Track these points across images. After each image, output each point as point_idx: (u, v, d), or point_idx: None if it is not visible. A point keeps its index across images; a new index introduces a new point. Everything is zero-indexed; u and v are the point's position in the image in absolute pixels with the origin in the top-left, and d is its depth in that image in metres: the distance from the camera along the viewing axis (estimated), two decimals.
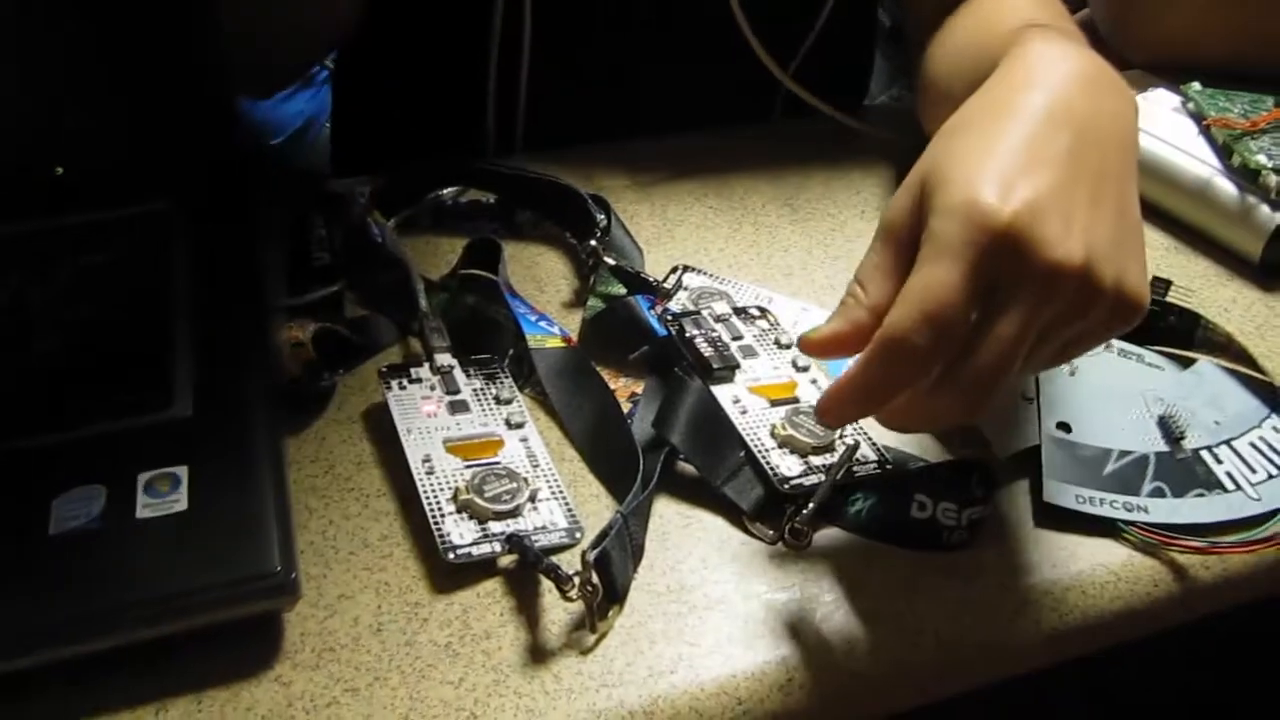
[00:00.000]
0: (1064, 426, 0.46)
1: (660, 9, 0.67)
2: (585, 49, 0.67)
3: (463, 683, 0.38)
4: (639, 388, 0.49)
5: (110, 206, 0.54)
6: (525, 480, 0.43)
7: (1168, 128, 0.62)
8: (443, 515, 0.42)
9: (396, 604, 0.40)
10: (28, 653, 0.37)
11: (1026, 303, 0.36)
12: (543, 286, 0.55)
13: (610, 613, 0.40)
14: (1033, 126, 0.39)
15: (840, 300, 0.39)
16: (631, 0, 0.66)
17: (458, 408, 0.47)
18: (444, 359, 0.49)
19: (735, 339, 0.50)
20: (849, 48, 0.73)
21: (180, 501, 0.40)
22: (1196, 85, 0.64)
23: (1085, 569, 0.42)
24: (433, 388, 0.48)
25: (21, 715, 0.37)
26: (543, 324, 0.51)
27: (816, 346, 0.39)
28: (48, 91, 0.54)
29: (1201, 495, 0.44)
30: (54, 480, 0.41)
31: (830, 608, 0.41)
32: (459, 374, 0.48)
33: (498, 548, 0.41)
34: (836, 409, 0.38)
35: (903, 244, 0.38)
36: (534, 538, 0.42)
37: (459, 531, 0.41)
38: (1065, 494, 0.44)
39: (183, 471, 0.41)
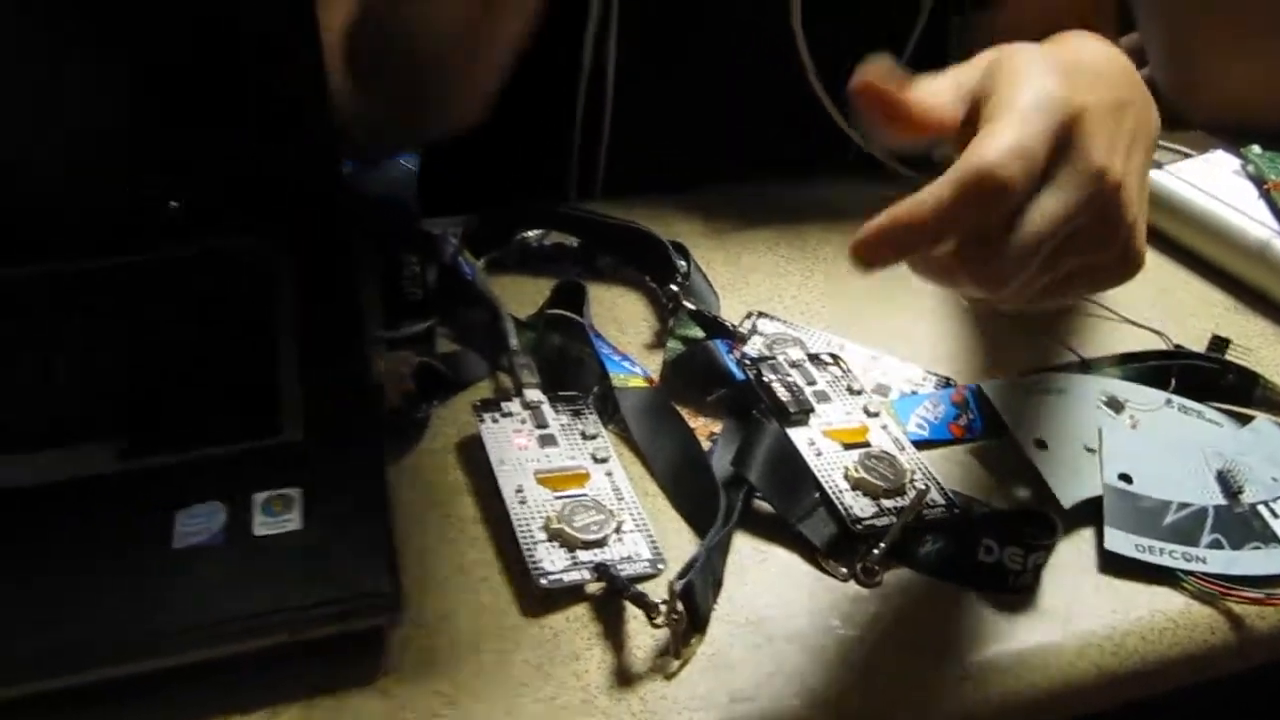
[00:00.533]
0: (1125, 478, 0.48)
1: (738, 62, 0.70)
2: (666, 99, 0.70)
3: (554, 701, 0.40)
4: (717, 428, 0.51)
5: (219, 240, 0.58)
6: (611, 512, 0.46)
7: (1228, 189, 0.64)
8: (535, 543, 0.45)
9: (491, 625, 0.43)
10: (151, 657, 0.40)
11: (1069, 195, 0.38)
12: (624, 328, 0.58)
13: (693, 641, 0.42)
14: (1097, 69, 0.42)
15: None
16: (711, 51, 0.69)
17: (546, 441, 0.50)
18: (533, 394, 0.52)
19: (809, 384, 0.52)
20: None
21: (294, 521, 0.43)
22: (1256, 148, 0.66)
23: (1144, 615, 0.44)
24: (523, 421, 0.50)
25: (147, 717, 0.40)
26: (626, 364, 0.54)
27: (874, 90, 0.39)
28: (166, 130, 0.58)
29: (1258, 548, 0.46)
30: (175, 497, 0.44)
31: (898, 645, 0.43)
32: (547, 409, 0.51)
33: (586, 575, 0.44)
34: (889, 232, 0.38)
35: (964, 93, 0.41)
36: (619, 567, 0.44)
37: (550, 559, 0.44)
38: (1126, 543, 0.46)
39: (296, 493, 0.44)
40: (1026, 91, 0.39)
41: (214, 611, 0.40)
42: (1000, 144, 0.37)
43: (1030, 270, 0.38)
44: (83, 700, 0.39)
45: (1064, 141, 0.39)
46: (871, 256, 0.38)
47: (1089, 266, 0.41)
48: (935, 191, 0.37)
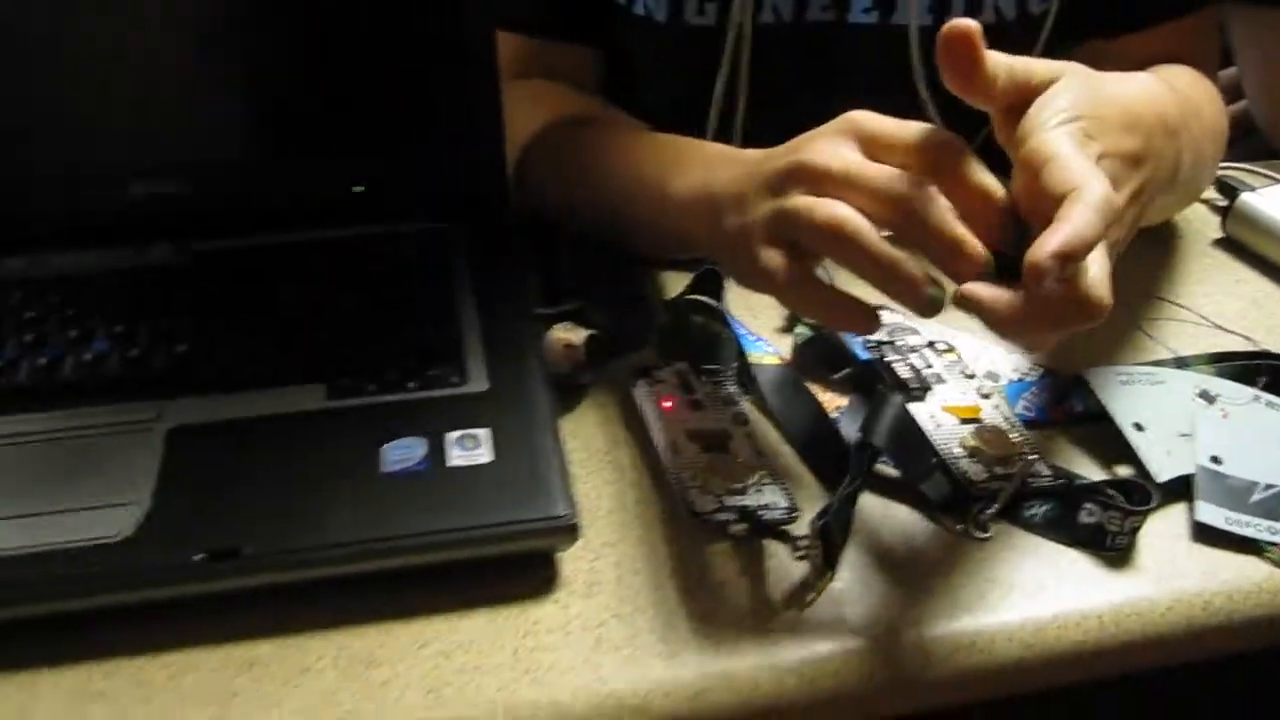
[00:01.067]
0: (1216, 460, 0.53)
1: (854, 91, 0.76)
2: (791, 121, 0.76)
3: (707, 620, 0.47)
4: (842, 402, 0.57)
5: (401, 223, 0.66)
6: (752, 467, 0.52)
7: None
8: (686, 488, 0.51)
9: (649, 554, 0.49)
10: (369, 560, 0.47)
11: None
12: (756, 314, 0.64)
13: (825, 576, 0.48)
14: (1135, 117, 0.50)
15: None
16: (829, 82, 0.75)
17: (693, 405, 0.56)
18: (680, 365, 0.58)
19: (927, 368, 0.58)
20: None
21: (484, 455, 0.50)
22: None
23: (1231, 579, 0.49)
24: (672, 388, 0.57)
25: (355, 612, 0.47)
26: (760, 344, 0.60)
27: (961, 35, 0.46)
28: (353, 122, 0.66)
29: None
30: (381, 432, 0.51)
31: (1004, 590, 0.48)
32: (692, 379, 0.58)
33: (732, 517, 0.50)
34: (1062, 258, 0.40)
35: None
36: (760, 513, 0.50)
37: (700, 501, 0.51)
38: (1216, 515, 0.51)
39: (484, 433, 0.51)
40: (1060, 133, 0.45)
41: (420, 525, 0.47)
42: (1098, 179, 0.43)
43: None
44: (306, 593, 0.46)
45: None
46: (1045, 277, 0.41)
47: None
48: (1089, 221, 0.41)
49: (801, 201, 0.46)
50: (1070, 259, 0.41)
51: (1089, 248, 0.42)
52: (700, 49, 0.71)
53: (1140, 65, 0.52)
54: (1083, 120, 0.46)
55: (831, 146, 0.48)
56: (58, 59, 0.61)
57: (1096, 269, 0.43)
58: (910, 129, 0.47)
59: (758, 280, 0.48)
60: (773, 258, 0.47)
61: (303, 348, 0.57)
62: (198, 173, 0.64)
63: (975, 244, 0.44)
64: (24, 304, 0.59)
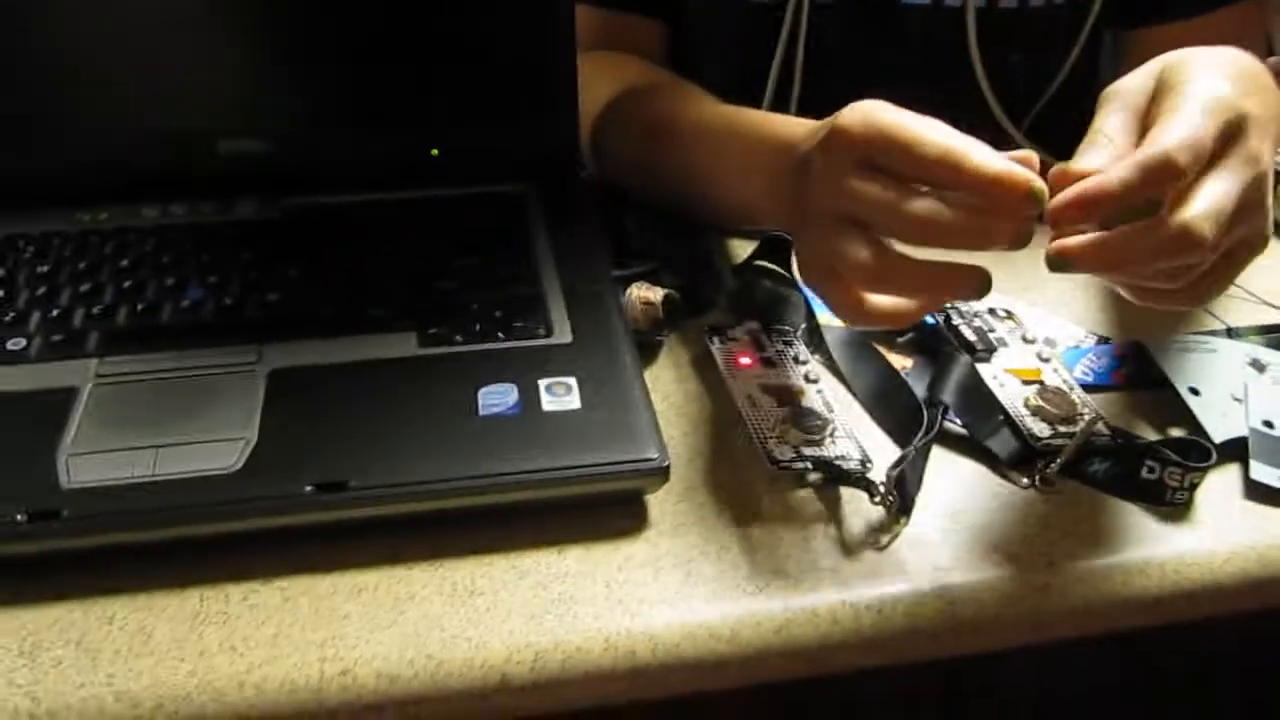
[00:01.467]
0: (1268, 424, 0.55)
1: (908, 71, 0.78)
2: (844, 101, 0.78)
3: (788, 559, 0.49)
4: (907, 364, 0.60)
5: (478, 184, 0.68)
6: (826, 420, 0.55)
7: None
8: (765, 437, 0.54)
9: (731, 498, 0.52)
10: (465, 496, 0.49)
11: (1236, 177, 0.45)
12: None
13: (900, 521, 0.50)
14: (1258, 80, 0.49)
15: (1089, 142, 0.48)
16: (884, 61, 0.77)
17: (766, 363, 0.59)
18: (753, 324, 0.61)
19: (990, 331, 0.60)
20: (1075, 110, 0.84)
21: (574, 401, 0.52)
22: None
23: None
24: (746, 346, 0.59)
25: (455, 545, 0.49)
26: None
27: (1074, 177, 0.45)
28: (431, 88, 0.68)
29: None
30: (477, 379, 0.53)
31: (1070, 541, 0.51)
32: (764, 338, 0.60)
33: (810, 465, 0.52)
34: (1077, 207, 0.44)
35: (1136, 114, 0.48)
36: (836, 462, 0.53)
37: (779, 450, 0.53)
38: (1270, 475, 0.53)
39: (573, 381, 0.53)
40: (1200, 90, 0.47)
41: (516, 465, 0.49)
42: (1176, 135, 0.45)
43: (1205, 245, 0.45)
44: (409, 526, 0.49)
45: (1229, 136, 0.46)
46: (1064, 220, 0.45)
47: (1238, 244, 0.48)
48: (1120, 172, 0.44)
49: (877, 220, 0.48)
50: (1081, 208, 0.44)
51: (1111, 199, 0.44)
52: (761, 24, 0.74)
53: None
54: (1222, 82, 0.47)
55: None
56: (152, 24, 0.64)
57: (1203, 204, 0.44)
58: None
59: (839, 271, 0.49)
60: (857, 250, 0.48)
61: (390, 299, 0.59)
62: (281, 133, 0.67)
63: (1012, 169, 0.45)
64: (118, 252, 0.62)
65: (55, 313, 0.57)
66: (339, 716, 0.44)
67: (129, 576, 0.47)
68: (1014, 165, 0.45)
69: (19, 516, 0.46)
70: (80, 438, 0.50)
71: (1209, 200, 0.44)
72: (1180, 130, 0.45)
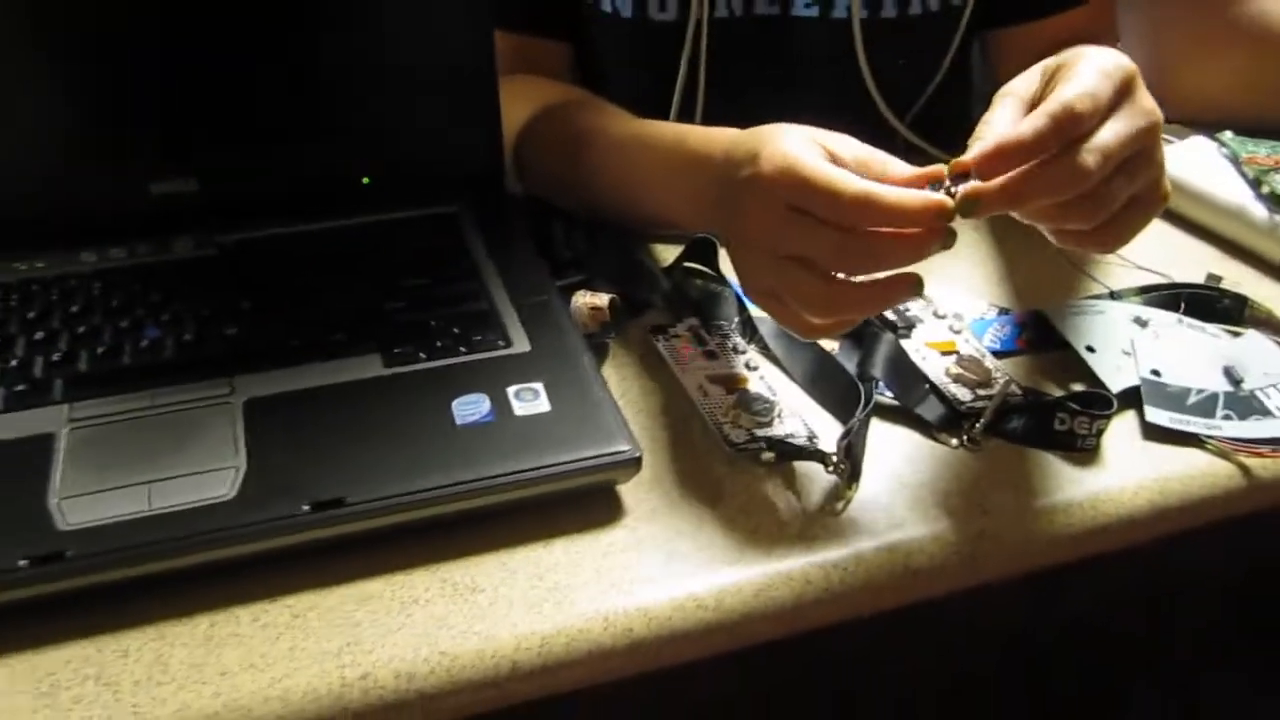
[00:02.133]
0: (1155, 373, 0.62)
1: (791, 68, 0.83)
2: (747, 112, 0.83)
3: (757, 530, 0.53)
4: (834, 345, 0.65)
5: (410, 208, 0.71)
6: (772, 403, 0.59)
7: (1210, 165, 0.79)
8: (720, 423, 0.58)
9: (696, 481, 0.56)
10: (455, 502, 0.52)
11: (1129, 124, 0.51)
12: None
13: (852, 487, 0.55)
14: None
15: (981, 127, 0.53)
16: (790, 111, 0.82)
17: (709, 355, 0.63)
18: (691, 321, 0.65)
19: (906, 310, 0.66)
20: (953, 105, 0.91)
21: (544, 405, 0.56)
22: (1229, 134, 0.82)
23: (1180, 468, 0.58)
24: (687, 342, 0.64)
25: (449, 548, 0.52)
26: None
27: (977, 162, 0.50)
28: (356, 118, 0.70)
29: (1259, 419, 0.60)
30: (447, 392, 0.56)
31: (1000, 489, 0.57)
32: (703, 332, 0.64)
33: (764, 445, 0.57)
34: (996, 157, 0.49)
35: (1027, 104, 0.54)
36: (786, 439, 0.57)
37: (734, 434, 0.57)
38: (1161, 417, 0.60)
39: (539, 386, 0.57)
40: (1093, 60, 0.53)
41: (502, 468, 0.52)
42: (1075, 89, 0.51)
43: (1100, 185, 0.51)
44: (403, 535, 0.51)
45: (1123, 93, 0.53)
46: (991, 172, 0.50)
47: (1136, 199, 0.55)
48: (1031, 122, 0.50)
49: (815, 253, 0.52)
50: (999, 157, 0.49)
51: (1024, 147, 0.49)
52: (663, 43, 0.78)
53: (1055, 47, 0.60)
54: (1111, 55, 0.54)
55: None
56: (74, 69, 0.65)
57: (1092, 141, 0.50)
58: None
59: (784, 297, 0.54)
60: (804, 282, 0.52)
61: (347, 324, 0.61)
62: (211, 171, 0.68)
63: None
64: (65, 298, 0.62)
65: (13, 363, 0.58)
66: (365, 718, 0.46)
67: (136, 610, 0.49)
68: (924, 193, 0.50)
69: (21, 563, 0.47)
70: (67, 481, 0.51)
71: (1098, 139, 0.51)
72: (1079, 86, 0.51)
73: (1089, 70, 0.52)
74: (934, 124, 0.85)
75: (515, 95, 0.75)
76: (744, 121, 0.59)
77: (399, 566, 0.51)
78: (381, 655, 0.47)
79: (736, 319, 0.66)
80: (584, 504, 0.54)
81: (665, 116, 0.81)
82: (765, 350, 0.65)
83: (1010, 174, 0.50)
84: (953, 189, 0.51)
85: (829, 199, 0.51)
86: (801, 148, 0.52)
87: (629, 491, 0.55)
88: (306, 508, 0.50)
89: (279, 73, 0.68)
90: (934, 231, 0.50)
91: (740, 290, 0.66)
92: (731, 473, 0.57)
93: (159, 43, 0.66)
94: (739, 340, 0.64)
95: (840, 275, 0.52)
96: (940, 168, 0.51)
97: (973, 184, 0.50)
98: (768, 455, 0.57)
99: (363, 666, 0.47)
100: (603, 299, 0.63)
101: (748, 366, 0.62)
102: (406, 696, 0.47)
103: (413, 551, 0.52)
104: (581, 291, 0.65)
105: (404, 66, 0.70)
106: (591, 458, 0.53)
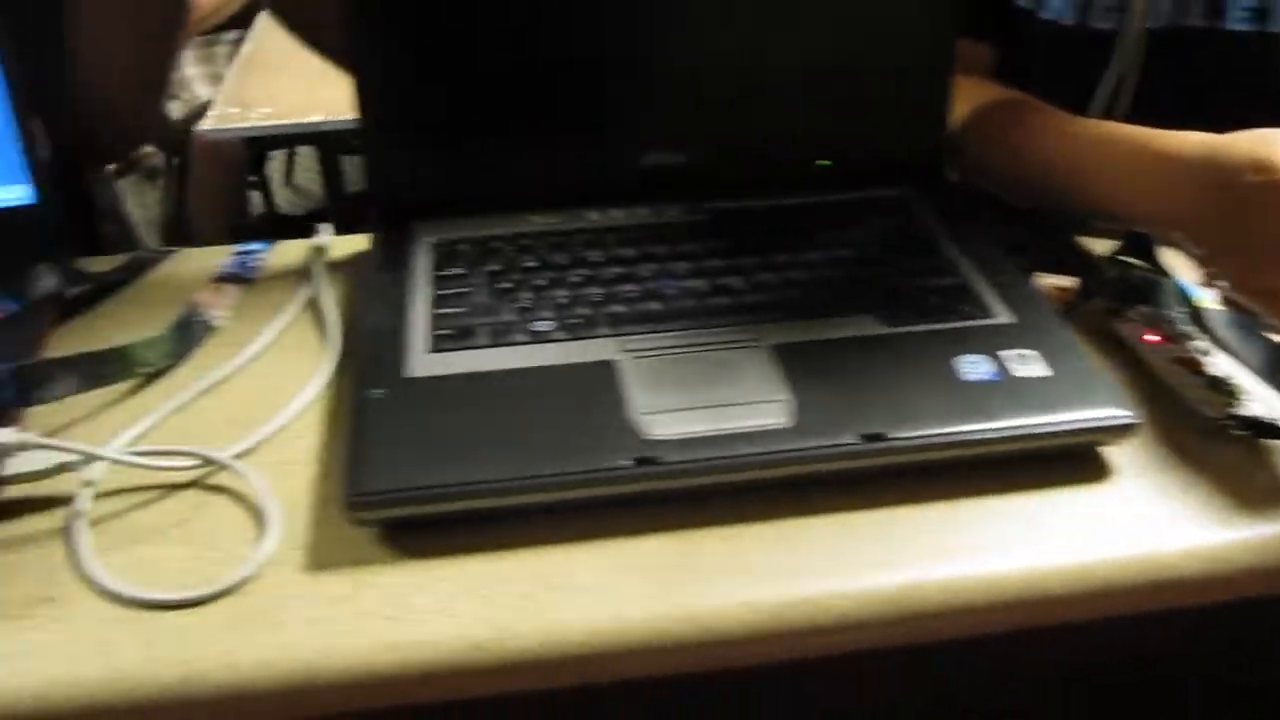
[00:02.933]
0: None
1: (1214, 81, 0.86)
2: (1164, 119, 0.87)
3: (1231, 494, 0.58)
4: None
5: (861, 190, 0.79)
6: (1239, 385, 0.64)
7: None
8: (1192, 401, 0.63)
9: (1174, 450, 0.61)
10: (982, 446, 0.58)
11: None
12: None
13: None
14: None
15: None
16: (1205, 87, 0.86)
17: (1166, 339, 0.68)
18: (1144, 308, 0.70)
19: None
20: None
21: (1043, 369, 0.62)
22: None
23: None
24: (1142, 326, 0.69)
25: (948, 488, 0.59)
26: (1197, 292, 0.72)
27: None
28: (827, 106, 0.78)
29: None
30: (946, 351, 0.63)
31: None
32: (1156, 318, 0.70)
33: (1237, 422, 0.62)
34: None
35: None
36: (1261, 419, 0.62)
37: (1209, 410, 0.62)
38: None
39: (1033, 354, 0.63)
40: None
41: (1017, 420, 0.59)
42: None
43: None
44: (917, 471, 0.59)
45: None
46: None
47: None
48: None
49: None
50: None
51: None
52: (1097, 51, 0.83)
53: None
54: None
55: None
56: (590, 52, 0.75)
57: None
58: None
59: None
60: None
61: (839, 287, 0.69)
62: (697, 148, 0.77)
63: None
64: (585, 248, 0.72)
65: (562, 300, 0.68)
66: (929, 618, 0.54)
67: (710, 511, 0.57)
68: None
69: (626, 462, 0.56)
70: (639, 400, 0.60)
71: None
72: None
73: None
74: None
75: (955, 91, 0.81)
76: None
77: (922, 499, 0.58)
78: (921, 571, 0.54)
79: (1178, 309, 0.71)
80: (1073, 462, 0.60)
81: None
82: (1215, 340, 0.69)
83: None
84: None
85: None
86: None
87: (1114, 454, 0.61)
88: (857, 439, 0.58)
89: (761, 62, 0.77)
90: None
91: (1182, 283, 0.72)
92: (1205, 445, 0.62)
93: (664, 30, 0.75)
94: (1189, 328, 0.69)
95: None
96: None
97: None
98: (1242, 432, 0.62)
99: (907, 574, 0.54)
100: (1066, 281, 0.69)
101: (1203, 353, 0.67)
102: (956, 603, 0.54)
103: (912, 489, 0.58)
104: (1038, 274, 0.71)
105: (869, 60, 0.77)
106: (1092, 419, 0.59)
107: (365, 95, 0.74)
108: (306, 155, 2.92)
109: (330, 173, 2.11)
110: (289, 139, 2.61)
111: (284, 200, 2.93)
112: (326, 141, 2.11)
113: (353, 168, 2.18)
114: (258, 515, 0.58)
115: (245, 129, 1.73)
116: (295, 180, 3.01)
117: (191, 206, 2.10)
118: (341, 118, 1.59)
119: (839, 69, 0.77)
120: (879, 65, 0.77)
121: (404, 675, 0.52)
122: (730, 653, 0.53)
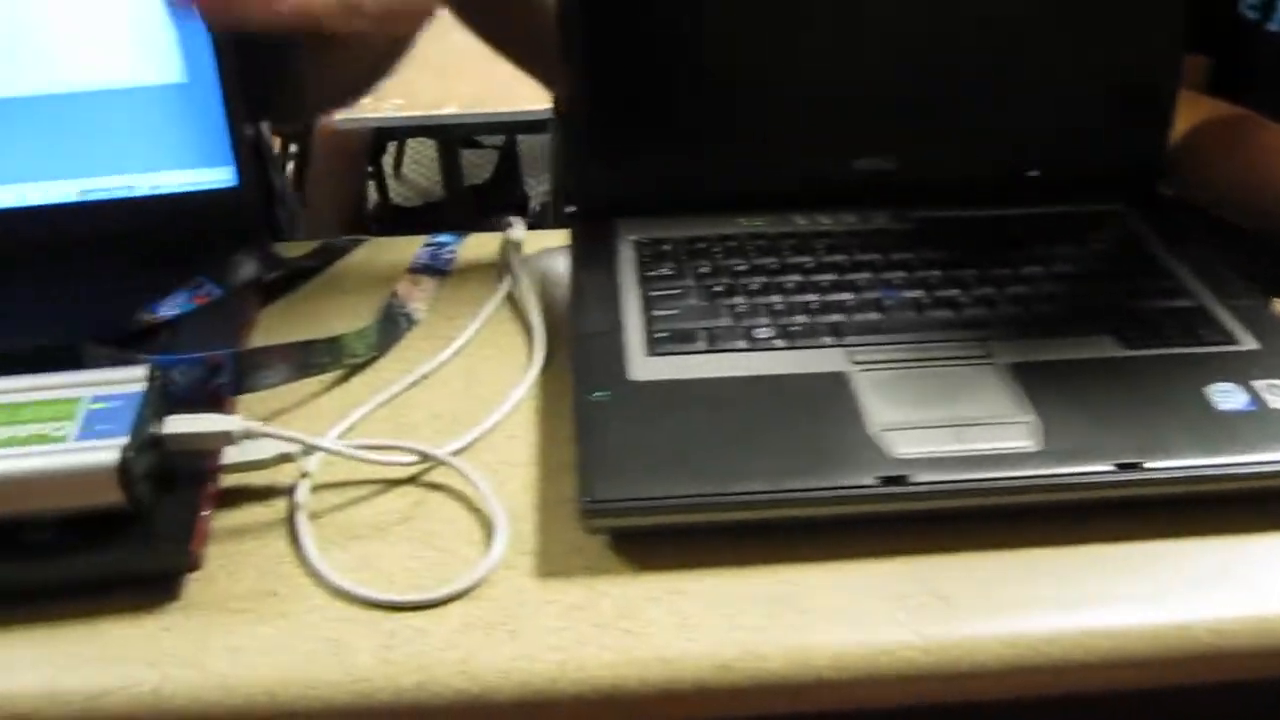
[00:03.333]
0: None
1: None
2: None
3: None
4: None
5: (1070, 203, 0.75)
6: None
7: None
8: None
9: None
10: (1237, 482, 0.55)
11: None
12: None
13: None
14: None
15: None
16: None
17: None
18: None
19: None
20: None
21: None
22: None
23: None
24: None
25: (1191, 524, 0.55)
26: None
27: None
28: (1038, 115, 0.75)
29: None
30: (1195, 378, 0.60)
31: None
32: None
33: None
34: None
35: None
36: None
37: None
38: None
39: None
40: None
41: (1270, 454, 0.55)
42: None
43: None
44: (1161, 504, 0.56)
45: None
46: None
47: None
48: None
49: None
50: None
51: None
52: None
53: None
54: None
55: None
56: (815, 63, 0.72)
57: None
58: None
59: None
60: None
61: (1068, 304, 0.66)
62: (907, 153, 0.75)
63: None
64: (793, 253, 0.70)
65: (779, 305, 0.66)
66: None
67: (953, 535, 0.55)
68: None
69: (873, 481, 0.54)
70: (879, 416, 0.58)
71: None
72: None
73: None
74: None
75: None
76: None
77: (1180, 532, 0.55)
78: (1190, 610, 0.51)
79: None
80: None
81: None
82: None
83: None
84: None
85: None
86: None
87: None
88: (1112, 467, 0.55)
89: (974, 73, 0.74)
90: None
91: None
92: None
93: (880, 34, 0.73)
94: None
95: None
96: None
97: None
98: None
99: (1175, 612, 0.51)
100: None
101: None
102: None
103: (1170, 519, 0.55)
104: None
105: (1093, 72, 0.74)
106: None
107: (574, 91, 0.73)
108: (415, 147, 2.94)
109: (450, 166, 2.12)
110: (406, 130, 2.63)
111: (394, 192, 2.96)
112: (447, 134, 2.11)
113: (470, 162, 2.19)
114: (480, 516, 0.57)
115: (377, 119, 1.73)
116: (403, 172, 3.03)
117: (309, 195, 2.12)
118: (476, 110, 1.60)
119: (1059, 78, 0.74)
120: (1103, 76, 0.74)
121: (644, 692, 0.50)
122: (983, 686, 0.51)
